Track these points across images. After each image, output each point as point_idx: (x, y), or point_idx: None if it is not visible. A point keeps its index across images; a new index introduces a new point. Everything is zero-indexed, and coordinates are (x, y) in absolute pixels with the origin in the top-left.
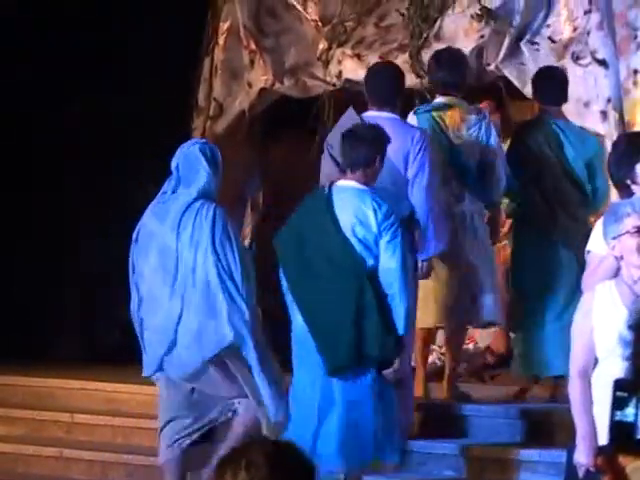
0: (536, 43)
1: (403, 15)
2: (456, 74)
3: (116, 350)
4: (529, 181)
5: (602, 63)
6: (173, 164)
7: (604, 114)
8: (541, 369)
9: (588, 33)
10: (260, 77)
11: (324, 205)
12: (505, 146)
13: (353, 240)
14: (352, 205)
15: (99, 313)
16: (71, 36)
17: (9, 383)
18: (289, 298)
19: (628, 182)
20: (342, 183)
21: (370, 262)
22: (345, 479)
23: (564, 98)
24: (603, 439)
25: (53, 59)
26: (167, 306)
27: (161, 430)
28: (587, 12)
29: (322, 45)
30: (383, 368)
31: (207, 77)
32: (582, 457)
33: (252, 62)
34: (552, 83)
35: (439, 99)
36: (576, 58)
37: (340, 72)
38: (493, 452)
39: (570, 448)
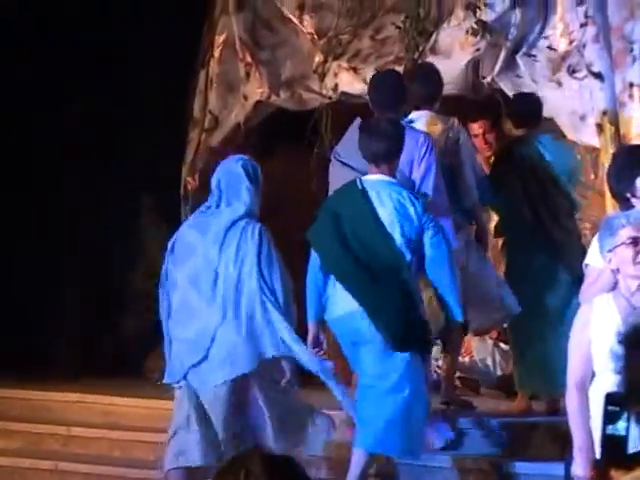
0: (532, 56)
1: (399, 28)
2: (427, 87)
3: (114, 363)
4: (516, 195)
5: (598, 76)
6: (214, 180)
7: (600, 127)
8: (540, 390)
9: (584, 46)
10: (256, 90)
11: (361, 198)
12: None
13: (396, 234)
14: (390, 199)
15: (97, 327)
16: (71, 36)
17: (6, 396)
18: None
19: (628, 195)
20: (372, 177)
21: (410, 255)
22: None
23: (540, 119)
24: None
25: (53, 59)
26: (204, 319)
27: (170, 438)
28: (583, 25)
29: (318, 58)
30: (422, 351)
31: (202, 89)
32: (579, 470)
33: (248, 75)
34: (529, 108)
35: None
36: (572, 71)
37: (336, 85)
38: (488, 464)
39: (568, 460)
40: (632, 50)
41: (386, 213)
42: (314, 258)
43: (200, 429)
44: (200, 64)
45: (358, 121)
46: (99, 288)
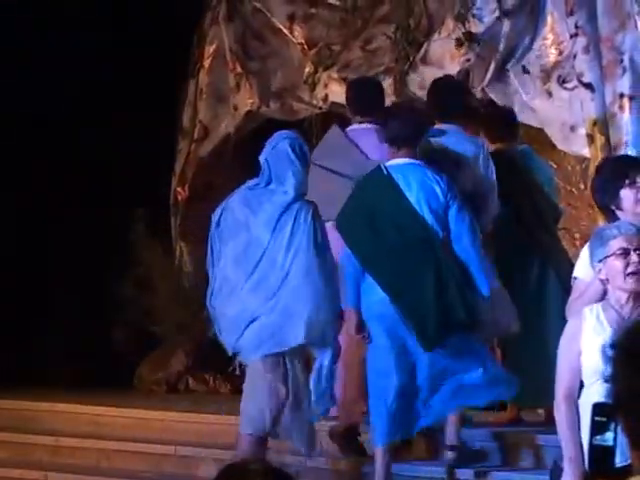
0: (523, 66)
1: (389, 39)
2: (453, 101)
3: (102, 373)
4: (503, 204)
5: (588, 86)
6: (262, 158)
7: (590, 137)
8: (529, 400)
9: (574, 57)
10: (246, 100)
11: (388, 183)
12: None
13: (425, 212)
14: (416, 180)
15: (86, 337)
16: (66, 39)
17: None
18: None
19: (612, 207)
20: (395, 162)
21: (441, 232)
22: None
23: (517, 132)
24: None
25: (47, 64)
26: (244, 298)
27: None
28: (573, 36)
29: (308, 68)
30: (470, 330)
31: (192, 100)
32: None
33: (238, 85)
34: (505, 122)
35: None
36: (562, 81)
37: (326, 95)
38: (478, 475)
39: (552, 469)
40: (622, 61)
41: (413, 194)
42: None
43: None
44: (190, 74)
45: (335, 127)
46: (89, 298)
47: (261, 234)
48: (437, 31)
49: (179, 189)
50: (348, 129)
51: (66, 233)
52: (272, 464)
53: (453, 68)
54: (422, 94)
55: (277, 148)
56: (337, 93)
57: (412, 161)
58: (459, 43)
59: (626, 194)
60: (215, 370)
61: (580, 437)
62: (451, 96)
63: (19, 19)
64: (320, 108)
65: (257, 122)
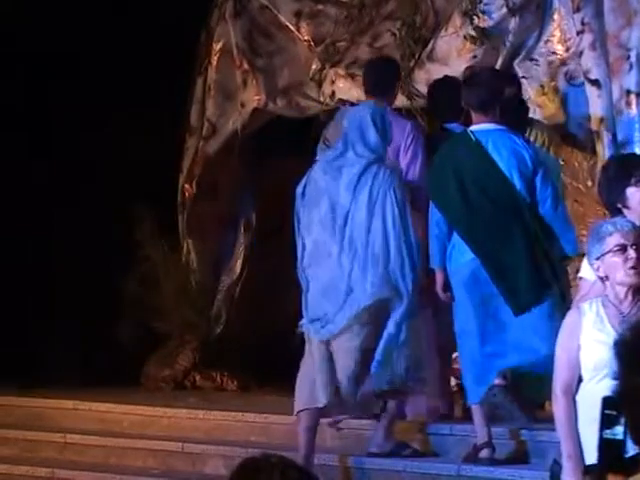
0: (529, 63)
1: (396, 35)
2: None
3: (110, 370)
4: None
5: (595, 83)
6: (343, 126)
7: (597, 134)
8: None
9: (581, 53)
10: (253, 97)
11: (477, 149)
12: None
13: (515, 178)
14: (505, 146)
15: (94, 334)
16: (66, 42)
17: (2, 403)
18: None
19: (619, 205)
20: (482, 127)
21: (529, 197)
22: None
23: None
24: (592, 458)
25: (47, 68)
26: (336, 262)
27: (299, 382)
28: (580, 33)
29: (315, 65)
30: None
31: (200, 97)
32: (569, 476)
33: (245, 82)
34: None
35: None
36: (569, 78)
37: (333, 92)
38: (486, 472)
39: (552, 466)
40: (629, 57)
41: (503, 160)
42: (435, 211)
43: (324, 372)
44: (197, 72)
45: (345, 108)
46: (95, 296)
47: (342, 198)
48: (444, 28)
49: (187, 186)
50: None
51: (71, 231)
52: (290, 460)
53: (459, 65)
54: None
55: (358, 118)
56: (344, 90)
57: (498, 127)
58: (472, 39)
59: (632, 193)
60: (222, 367)
61: (578, 433)
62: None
63: (19, 18)
64: (327, 105)
65: (264, 119)
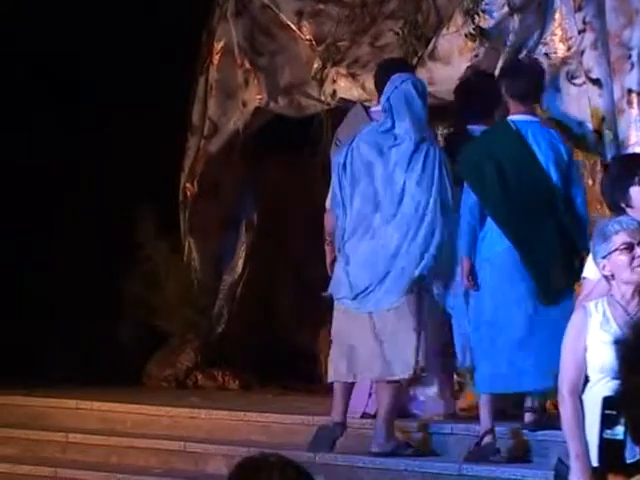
0: None
1: (398, 34)
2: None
3: (112, 369)
4: None
5: (596, 82)
6: (384, 98)
7: (598, 134)
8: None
9: (582, 53)
10: (254, 96)
11: (518, 139)
12: None
13: (551, 170)
14: (544, 138)
15: (95, 333)
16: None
17: (3, 402)
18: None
19: (622, 205)
20: (520, 117)
21: (563, 191)
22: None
23: None
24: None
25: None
26: (383, 238)
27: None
28: (581, 32)
29: (316, 64)
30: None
31: (201, 96)
32: (577, 476)
33: (246, 81)
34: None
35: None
36: (570, 77)
37: (334, 91)
38: (487, 471)
39: (557, 466)
40: (630, 57)
41: (541, 151)
42: (469, 197)
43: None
44: (199, 71)
45: (358, 106)
46: (97, 296)
47: (394, 173)
48: (445, 27)
49: (188, 185)
50: (371, 109)
51: (71, 231)
52: (289, 459)
53: (461, 64)
54: (430, 89)
55: (400, 88)
56: (345, 89)
57: (535, 119)
58: (472, 38)
59: (636, 192)
60: (224, 366)
61: (585, 433)
62: None
63: (19, 18)
64: (328, 104)
65: (265, 118)
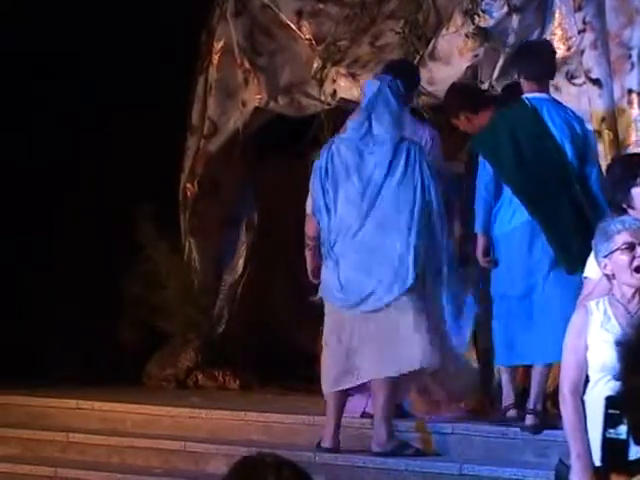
0: None
1: (398, 34)
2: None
3: (112, 369)
4: None
5: (596, 82)
6: (364, 99)
7: (598, 133)
8: None
9: (582, 52)
10: (254, 96)
11: (534, 115)
12: None
13: (567, 147)
14: (558, 114)
15: (96, 333)
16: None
17: (4, 402)
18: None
19: (624, 206)
20: (536, 95)
21: (578, 168)
22: None
23: None
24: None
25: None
26: (369, 239)
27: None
28: (581, 31)
29: (316, 64)
30: None
31: (201, 96)
32: (578, 476)
33: (246, 81)
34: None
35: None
36: (570, 77)
37: (334, 91)
38: (488, 471)
39: (558, 466)
40: (630, 56)
41: (557, 128)
42: (485, 173)
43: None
44: (199, 70)
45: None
46: (97, 296)
47: (374, 175)
48: (445, 27)
49: (188, 185)
50: None
51: (71, 231)
52: (285, 458)
53: (461, 63)
54: (431, 89)
55: (376, 90)
56: (345, 89)
57: (549, 97)
58: (474, 38)
59: (637, 193)
60: (224, 366)
61: (587, 433)
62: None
63: (19, 18)
64: (328, 104)
65: (265, 118)
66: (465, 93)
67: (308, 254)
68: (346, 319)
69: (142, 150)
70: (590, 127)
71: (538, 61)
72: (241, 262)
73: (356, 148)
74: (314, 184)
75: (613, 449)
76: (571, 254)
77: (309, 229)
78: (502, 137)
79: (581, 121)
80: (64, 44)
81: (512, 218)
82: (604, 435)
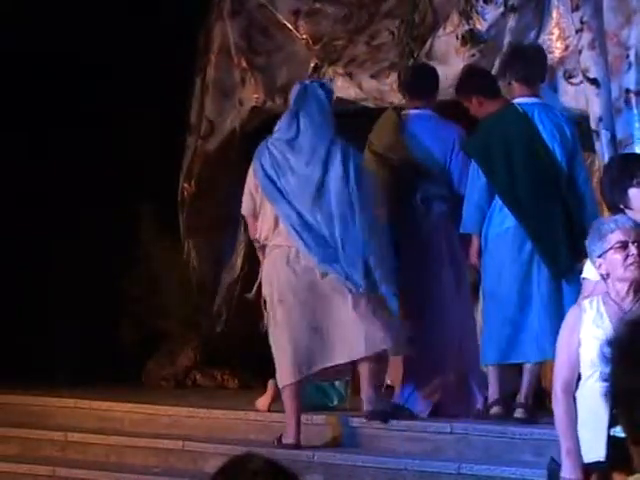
0: None
1: (394, 34)
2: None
3: (111, 369)
4: None
5: (594, 82)
6: (292, 101)
7: (596, 133)
8: None
9: (580, 52)
10: (251, 95)
11: (525, 120)
12: None
13: (556, 150)
14: (548, 118)
15: (95, 333)
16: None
17: (2, 402)
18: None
19: (621, 206)
20: (526, 100)
21: (567, 169)
22: None
23: None
24: (593, 455)
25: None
26: (320, 234)
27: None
28: (579, 31)
29: (313, 64)
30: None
31: (198, 95)
32: (568, 473)
33: (243, 80)
34: None
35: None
36: (568, 76)
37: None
38: (486, 470)
39: (549, 465)
40: (628, 56)
41: (546, 132)
42: (477, 178)
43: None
44: (196, 70)
45: (389, 110)
46: (96, 295)
47: (313, 172)
48: (442, 27)
49: (186, 185)
50: (409, 112)
51: (71, 231)
52: (273, 460)
53: (458, 63)
54: None
55: (306, 92)
56: (342, 88)
57: (539, 100)
58: (463, 41)
59: (634, 193)
60: (223, 365)
61: (577, 430)
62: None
63: (19, 18)
64: None
65: (262, 117)
66: (485, 78)
67: (260, 254)
68: (317, 300)
69: (142, 150)
70: (593, 126)
71: (529, 64)
72: (239, 261)
73: (290, 147)
74: (261, 180)
75: (617, 447)
76: (558, 261)
77: (252, 230)
78: (493, 143)
79: (572, 124)
80: (64, 44)
81: (505, 219)
82: (609, 433)
